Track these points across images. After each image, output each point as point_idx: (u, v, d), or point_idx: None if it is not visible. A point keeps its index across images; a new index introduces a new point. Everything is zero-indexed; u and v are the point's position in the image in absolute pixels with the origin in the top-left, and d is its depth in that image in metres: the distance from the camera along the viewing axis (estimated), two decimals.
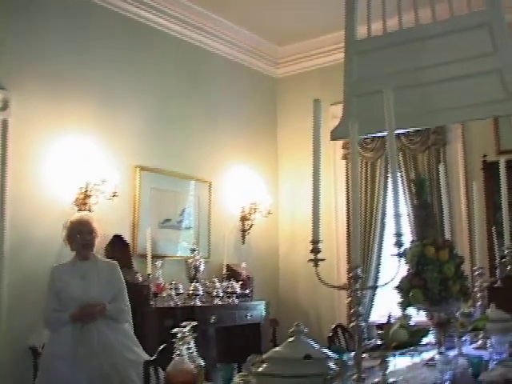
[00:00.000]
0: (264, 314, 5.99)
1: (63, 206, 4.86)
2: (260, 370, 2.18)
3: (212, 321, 5.26)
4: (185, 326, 2.43)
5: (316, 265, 2.65)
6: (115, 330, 3.82)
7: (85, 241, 3.89)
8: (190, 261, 5.65)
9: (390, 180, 6.22)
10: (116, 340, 3.78)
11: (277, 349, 2.25)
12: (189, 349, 2.42)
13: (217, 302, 5.54)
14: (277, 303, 6.70)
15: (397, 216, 2.52)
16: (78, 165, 4.90)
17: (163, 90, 5.88)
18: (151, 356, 3.23)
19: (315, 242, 2.65)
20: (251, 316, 5.81)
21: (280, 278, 7.06)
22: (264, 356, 2.21)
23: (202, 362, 2.50)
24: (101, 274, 3.91)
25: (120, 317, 3.91)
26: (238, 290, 5.80)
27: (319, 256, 2.66)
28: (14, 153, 4.61)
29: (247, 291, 5.99)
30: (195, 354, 2.48)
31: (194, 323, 2.49)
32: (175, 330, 2.39)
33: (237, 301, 5.77)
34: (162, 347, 3.07)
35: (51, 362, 3.66)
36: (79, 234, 3.87)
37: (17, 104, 4.66)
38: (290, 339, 2.26)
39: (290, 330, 2.24)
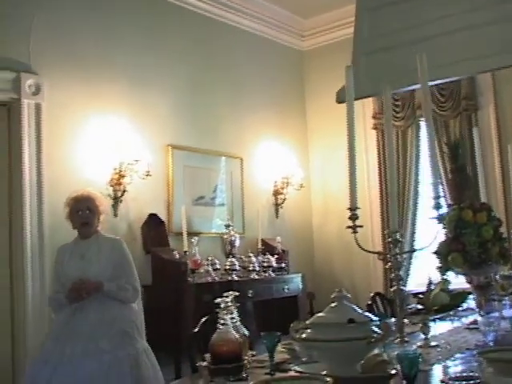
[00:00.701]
0: (301, 286, 6.03)
1: (98, 187, 4.86)
2: (304, 335, 2.21)
3: (250, 295, 5.33)
4: (227, 297, 2.45)
5: (354, 231, 2.67)
6: (113, 314, 3.51)
7: (83, 219, 3.60)
8: (225, 236, 5.69)
9: (424, 144, 6.18)
10: (113, 325, 3.48)
11: (320, 314, 2.27)
12: (232, 318, 2.45)
13: (253, 276, 5.59)
14: (312, 276, 6.73)
15: (435, 176, 2.51)
16: (111, 145, 4.96)
17: (192, 69, 5.88)
18: (192, 329, 3.22)
19: (353, 208, 2.66)
20: (288, 289, 5.86)
21: (315, 251, 7.08)
22: (307, 322, 2.24)
23: (245, 332, 2.55)
24: (102, 251, 3.60)
25: (121, 295, 3.56)
26: (274, 264, 5.84)
27: (357, 223, 2.68)
28: (47, 137, 4.68)
29: (283, 265, 6.03)
30: (239, 323, 2.52)
31: (236, 293, 2.52)
32: (218, 300, 2.41)
33: (273, 274, 5.82)
34: (204, 319, 3.12)
35: (44, 342, 3.52)
36: (78, 211, 3.60)
37: (49, 88, 4.72)
38: (333, 304, 2.28)
39: (333, 296, 2.26)
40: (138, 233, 5.19)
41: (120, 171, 4.93)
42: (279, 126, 6.82)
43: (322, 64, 7.02)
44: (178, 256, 5.09)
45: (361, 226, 2.68)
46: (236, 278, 5.36)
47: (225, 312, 2.40)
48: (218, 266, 5.36)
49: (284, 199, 6.62)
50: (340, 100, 3.97)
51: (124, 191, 4.98)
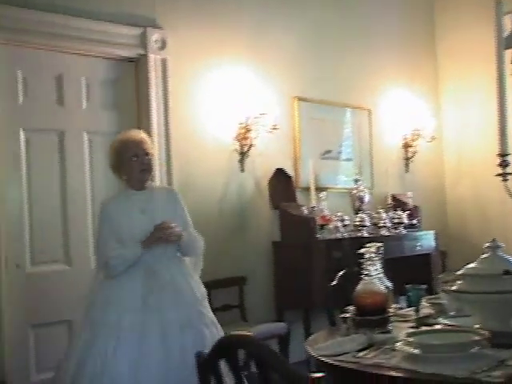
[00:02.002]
0: (433, 244, 5.93)
1: (225, 142, 5.05)
2: (454, 287, 2.20)
3: (380, 252, 5.30)
4: (370, 247, 2.47)
5: (505, 179, 2.59)
6: (186, 274, 3.19)
7: (143, 165, 3.17)
8: (354, 192, 5.68)
9: None
10: (189, 286, 3.15)
11: (471, 265, 2.24)
12: (376, 270, 2.47)
13: (384, 232, 5.55)
14: (445, 234, 6.58)
15: None
16: (236, 99, 5.05)
17: (316, 18, 5.82)
18: (322, 286, 3.22)
19: (503, 155, 2.58)
20: (421, 247, 5.78)
21: (447, 207, 6.92)
22: (458, 273, 2.22)
23: (389, 284, 2.56)
24: (163, 204, 3.23)
25: (196, 245, 3.26)
26: (405, 220, 5.78)
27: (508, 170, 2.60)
28: (173, 92, 4.83)
29: (414, 221, 5.95)
30: (382, 275, 2.53)
31: (380, 244, 2.53)
32: (362, 250, 2.44)
33: (404, 231, 5.77)
34: (342, 272, 3.16)
35: (112, 315, 2.96)
36: (135, 156, 3.15)
37: (173, 42, 4.84)
38: (485, 255, 2.25)
39: (485, 246, 2.23)
40: (264, 188, 5.28)
41: (246, 125, 5.01)
42: (408, 72, 6.64)
43: (455, 2, 6.72)
44: (306, 211, 5.15)
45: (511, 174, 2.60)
46: (366, 235, 5.35)
47: (369, 263, 2.42)
48: (347, 222, 5.37)
49: (414, 152, 6.49)
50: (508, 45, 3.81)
51: (250, 146, 5.07)
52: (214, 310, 4.56)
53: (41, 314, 4.16)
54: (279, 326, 4.71)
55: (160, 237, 3.06)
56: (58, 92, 4.42)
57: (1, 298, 3.94)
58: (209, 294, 4.56)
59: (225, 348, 1.45)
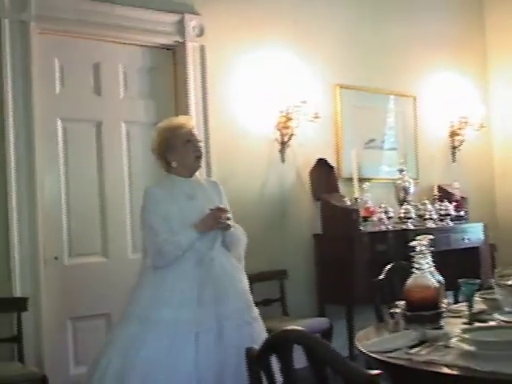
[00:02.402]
0: (482, 237, 5.85)
1: (265, 131, 5.04)
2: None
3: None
4: (421, 240, 2.43)
5: None
6: (234, 265, 3.14)
7: (198, 152, 3.13)
8: (398, 182, 5.62)
9: None
10: (239, 278, 3.12)
11: None
12: (427, 264, 2.44)
13: (430, 224, 5.49)
14: (494, 227, 6.47)
15: None
16: (277, 87, 5.03)
17: (359, 3, 5.78)
18: (366, 280, 3.20)
19: None
20: (469, 239, 5.71)
21: (497, 199, 6.81)
22: None
23: (440, 278, 2.53)
24: (209, 193, 3.18)
25: (241, 240, 3.22)
26: (452, 212, 5.71)
27: None
28: (212, 80, 4.83)
29: (462, 213, 5.87)
30: (433, 269, 2.50)
31: (431, 236, 2.50)
32: (413, 243, 2.41)
33: (451, 223, 5.70)
34: (390, 266, 3.14)
35: (166, 312, 2.87)
36: (189, 141, 3.09)
37: (211, 29, 4.84)
38: None
39: None
40: (306, 179, 5.27)
41: (287, 113, 4.99)
42: (455, 51, 6.51)
43: None
44: (348, 203, 5.12)
45: None
46: (411, 227, 5.30)
47: (420, 256, 2.39)
48: (392, 214, 5.33)
49: (462, 141, 6.39)
50: None
51: (291, 135, 5.05)
52: (255, 304, 4.62)
53: (79, 307, 4.22)
54: (321, 322, 4.69)
55: (216, 220, 3.01)
56: (95, 81, 4.47)
57: (39, 290, 4.00)
58: (250, 288, 4.64)
59: (278, 343, 1.45)
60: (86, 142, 4.41)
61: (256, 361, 1.53)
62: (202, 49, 4.80)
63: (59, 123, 4.30)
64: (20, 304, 3.86)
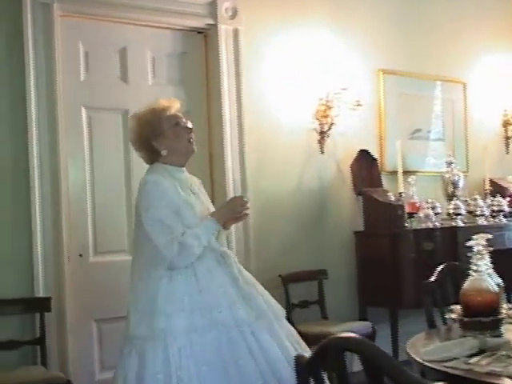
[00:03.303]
0: None
1: (302, 120, 5.01)
2: None
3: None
4: (479, 239, 2.39)
5: None
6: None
7: (190, 134, 2.91)
8: (447, 176, 5.54)
9: None
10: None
11: None
12: (485, 265, 2.39)
13: (481, 221, 5.42)
14: None
15: None
16: (316, 73, 4.99)
17: None
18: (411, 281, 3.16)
19: None
20: None
21: None
22: None
23: (500, 281, 2.48)
24: (202, 190, 3.03)
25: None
26: (506, 208, 5.62)
27: None
28: (246, 65, 4.80)
29: None
30: (492, 271, 2.45)
31: (489, 235, 2.45)
32: (470, 243, 2.36)
33: (505, 220, 5.60)
34: (441, 267, 3.09)
35: (217, 314, 2.66)
36: (177, 124, 2.89)
37: (245, 11, 4.80)
38: None
39: None
40: (347, 172, 5.24)
41: (327, 101, 4.96)
42: (508, 37, 6.38)
43: None
44: (393, 198, 5.07)
45: None
46: (461, 224, 5.23)
47: (478, 257, 2.35)
48: (439, 210, 5.26)
49: None
50: None
51: (331, 124, 5.01)
52: (292, 307, 4.61)
53: (105, 308, 4.22)
54: (363, 326, 4.65)
55: (238, 212, 2.84)
56: (121, 67, 4.49)
57: (64, 290, 4.02)
58: (285, 289, 4.63)
59: (330, 351, 1.42)
60: (113, 133, 4.42)
61: (305, 368, 1.50)
62: (236, 32, 4.78)
63: (84, 112, 4.32)
64: (43, 304, 3.89)
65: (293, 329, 2.90)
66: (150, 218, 2.72)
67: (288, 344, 2.71)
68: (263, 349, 2.63)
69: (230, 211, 2.86)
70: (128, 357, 2.67)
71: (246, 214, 2.89)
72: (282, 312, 2.88)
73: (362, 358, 1.33)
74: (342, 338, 1.38)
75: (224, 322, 2.64)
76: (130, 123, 3.01)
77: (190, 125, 2.93)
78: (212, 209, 2.95)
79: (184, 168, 2.94)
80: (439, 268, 3.11)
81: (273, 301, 2.86)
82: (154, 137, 2.84)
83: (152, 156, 2.90)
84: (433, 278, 3.04)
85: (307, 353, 2.28)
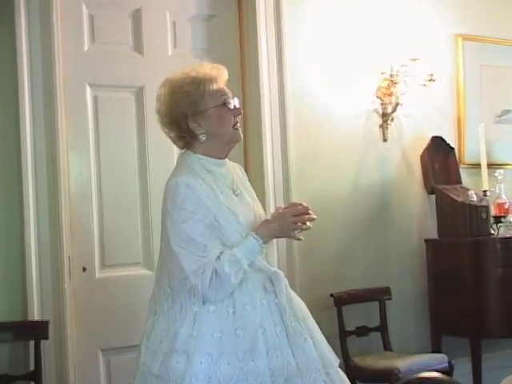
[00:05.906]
0: None
1: (360, 100, 5.01)
2: None
3: None
4: None
5: None
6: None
7: (236, 118, 2.78)
8: None
9: None
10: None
11: None
12: None
13: None
14: None
15: None
16: (376, 41, 4.96)
17: None
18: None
19: None
20: None
21: None
22: None
23: None
24: (247, 186, 2.94)
25: None
26: None
27: None
28: (289, 34, 4.78)
29: None
30: None
31: None
32: None
33: None
34: None
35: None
36: (225, 104, 2.74)
37: None
38: None
39: None
40: (416, 164, 5.23)
41: (391, 75, 4.94)
42: None
43: None
44: (475, 197, 5.03)
45: None
46: None
47: None
48: None
49: None
50: None
51: (396, 105, 5.00)
52: (346, 334, 4.56)
53: (114, 335, 4.22)
54: (437, 359, 4.63)
55: (297, 224, 2.66)
56: (134, 34, 4.49)
57: (64, 312, 4.00)
58: (338, 312, 4.59)
59: None
60: (124, 117, 4.42)
61: None
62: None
63: (88, 90, 4.33)
64: (38, 330, 3.88)
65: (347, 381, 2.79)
66: (178, 237, 2.60)
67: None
68: None
69: (285, 226, 2.69)
70: None
71: (308, 228, 2.70)
72: (335, 362, 2.77)
73: None
74: (422, 378, 1.32)
75: (256, 373, 2.53)
76: (159, 91, 2.79)
77: (238, 104, 2.78)
78: (260, 210, 2.86)
79: (226, 160, 2.82)
80: None
81: (325, 345, 2.76)
82: (192, 113, 2.69)
83: (185, 139, 2.76)
84: None
85: None
